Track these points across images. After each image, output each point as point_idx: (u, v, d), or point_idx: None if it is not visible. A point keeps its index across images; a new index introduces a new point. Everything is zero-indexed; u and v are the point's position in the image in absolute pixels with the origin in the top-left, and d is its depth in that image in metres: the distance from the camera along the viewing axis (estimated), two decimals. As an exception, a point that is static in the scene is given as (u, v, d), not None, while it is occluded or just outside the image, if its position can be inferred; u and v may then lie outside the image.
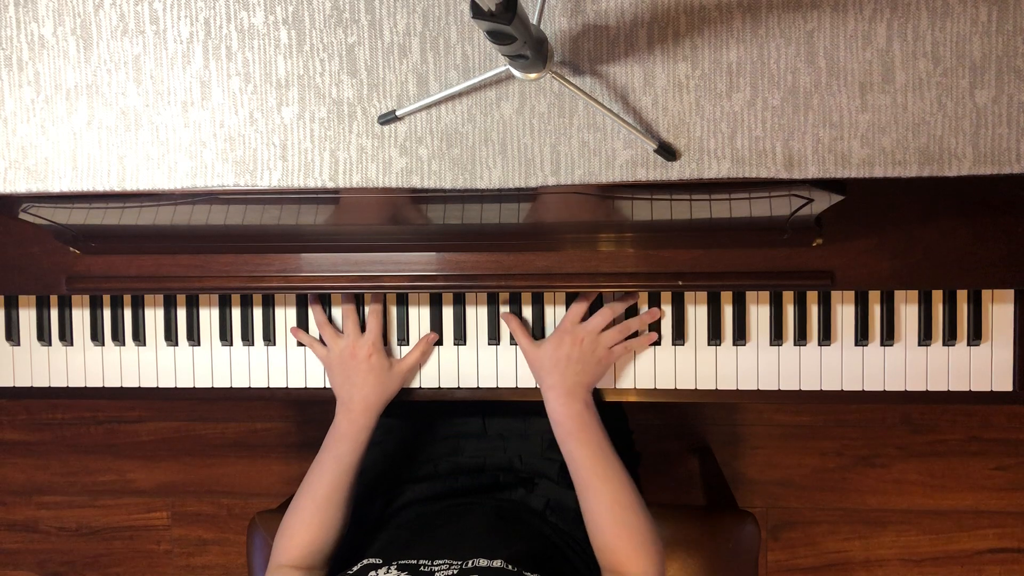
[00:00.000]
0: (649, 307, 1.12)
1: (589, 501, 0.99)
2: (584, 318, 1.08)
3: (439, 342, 1.14)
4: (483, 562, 0.88)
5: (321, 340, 1.13)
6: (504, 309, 1.13)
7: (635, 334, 1.11)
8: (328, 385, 1.14)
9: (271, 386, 1.17)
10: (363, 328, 1.12)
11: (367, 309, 1.13)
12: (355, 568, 0.91)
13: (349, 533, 1.14)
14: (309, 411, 1.92)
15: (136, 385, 1.19)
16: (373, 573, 0.88)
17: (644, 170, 0.81)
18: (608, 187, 0.85)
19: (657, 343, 1.12)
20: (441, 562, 0.89)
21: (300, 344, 1.16)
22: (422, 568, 0.88)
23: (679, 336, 1.12)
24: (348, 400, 1.07)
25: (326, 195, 0.94)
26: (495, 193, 0.85)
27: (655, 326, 1.12)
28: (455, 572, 0.86)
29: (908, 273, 1.02)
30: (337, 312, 1.14)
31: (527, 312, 1.13)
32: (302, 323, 1.16)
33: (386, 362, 1.10)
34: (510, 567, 0.88)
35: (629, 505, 0.98)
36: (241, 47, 0.82)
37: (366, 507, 1.14)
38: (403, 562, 0.90)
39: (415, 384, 1.14)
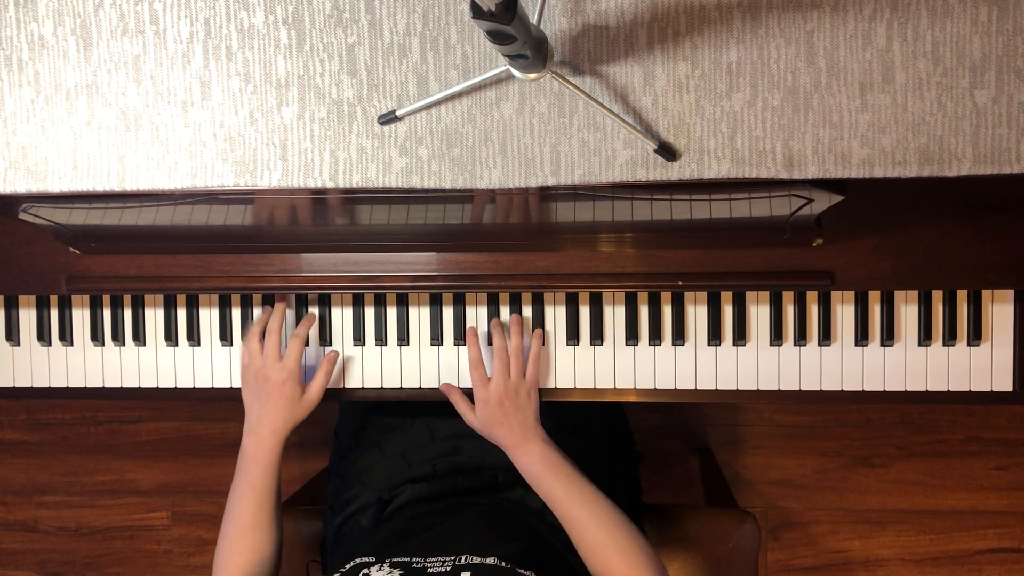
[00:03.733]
0: (649, 308, 1.12)
1: (575, 531, 0.99)
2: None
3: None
4: (476, 559, 0.89)
5: None
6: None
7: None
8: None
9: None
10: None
11: (293, 330, 1.12)
12: (347, 567, 0.91)
13: (349, 533, 1.14)
14: (309, 411, 1.91)
15: (136, 385, 1.19)
16: (366, 571, 0.88)
17: (644, 170, 0.81)
18: (608, 187, 0.85)
19: (543, 342, 1.12)
20: (434, 559, 0.89)
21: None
22: (415, 565, 0.88)
23: (679, 336, 1.12)
24: (256, 422, 1.07)
25: (326, 195, 0.94)
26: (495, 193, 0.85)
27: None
28: (447, 569, 0.86)
29: (908, 273, 1.02)
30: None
31: (527, 312, 1.13)
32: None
33: (298, 391, 1.09)
34: (503, 564, 0.88)
35: (613, 525, 0.98)
36: (241, 47, 0.82)
37: (366, 507, 1.14)
38: (395, 559, 0.90)
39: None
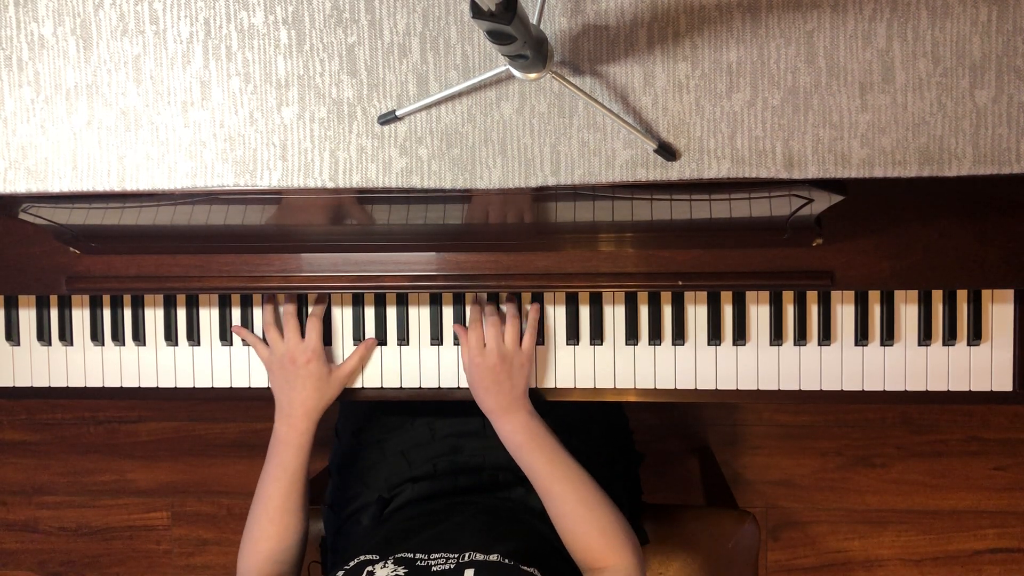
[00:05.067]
0: (649, 308, 1.12)
1: (554, 506, 0.99)
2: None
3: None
4: (479, 556, 0.89)
5: (265, 340, 1.13)
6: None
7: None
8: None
9: (271, 386, 1.17)
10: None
11: (308, 313, 1.13)
12: (351, 564, 0.91)
13: (349, 532, 1.14)
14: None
15: (136, 385, 1.19)
16: (370, 568, 0.88)
17: (644, 170, 0.81)
18: (608, 187, 0.85)
19: (542, 317, 1.11)
20: (438, 556, 0.89)
21: (245, 344, 1.16)
22: (418, 562, 0.88)
23: (679, 336, 1.12)
24: (287, 405, 1.08)
25: (326, 195, 0.94)
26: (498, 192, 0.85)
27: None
28: (452, 566, 0.86)
29: (908, 273, 1.02)
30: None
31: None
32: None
33: (325, 369, 1.10)
34: (507, 561, 0.88)
35: (593, 502, 0.98)
36: (241, 47, 0.82)
37: (366, 506, 1.14)
38: (399, 556, 0.90)
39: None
